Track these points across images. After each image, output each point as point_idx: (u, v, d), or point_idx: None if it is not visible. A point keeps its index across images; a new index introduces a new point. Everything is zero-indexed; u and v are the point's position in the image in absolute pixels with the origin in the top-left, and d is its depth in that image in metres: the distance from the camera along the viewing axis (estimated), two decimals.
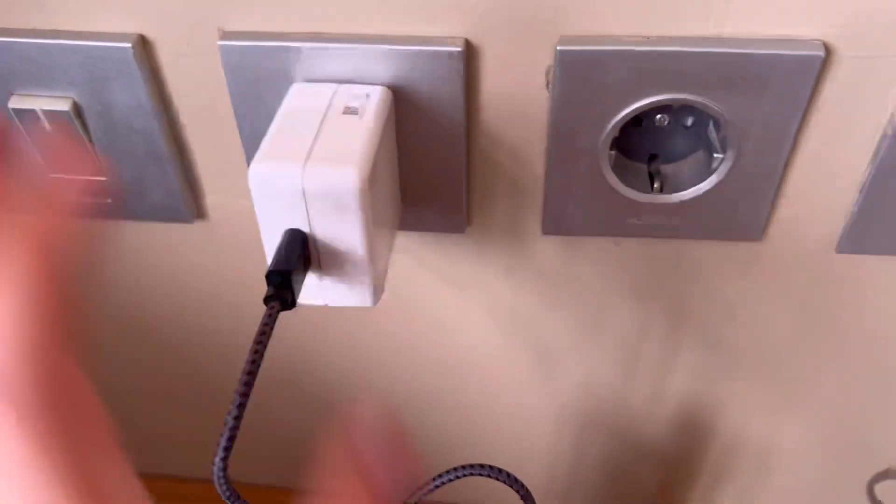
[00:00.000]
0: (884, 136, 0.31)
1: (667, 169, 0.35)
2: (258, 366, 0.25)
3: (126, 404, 0.50)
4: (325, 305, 0.30)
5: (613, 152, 0.33)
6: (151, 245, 0.40)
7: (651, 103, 0.30)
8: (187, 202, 0.37)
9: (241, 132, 0.33)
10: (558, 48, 0.29)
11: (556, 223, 0.36)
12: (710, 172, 0.33)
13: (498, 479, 0.31)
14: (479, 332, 0.42)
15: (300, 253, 0.27)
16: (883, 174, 0.32)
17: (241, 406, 0.24)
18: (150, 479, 0.19)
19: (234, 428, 0.24)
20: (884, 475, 0.47)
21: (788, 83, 0.29)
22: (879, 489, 0.48)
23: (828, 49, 0.29)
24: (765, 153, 0.32)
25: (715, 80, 0.29)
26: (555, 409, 0.46)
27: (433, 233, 0.37)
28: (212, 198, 0.37)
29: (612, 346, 0.42)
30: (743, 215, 0.34)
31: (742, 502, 0.51)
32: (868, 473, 0.48)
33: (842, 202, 0.33)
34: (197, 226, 0.38)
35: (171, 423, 0.52)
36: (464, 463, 0.32)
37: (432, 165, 0.33)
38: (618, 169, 0.33)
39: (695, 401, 0.44)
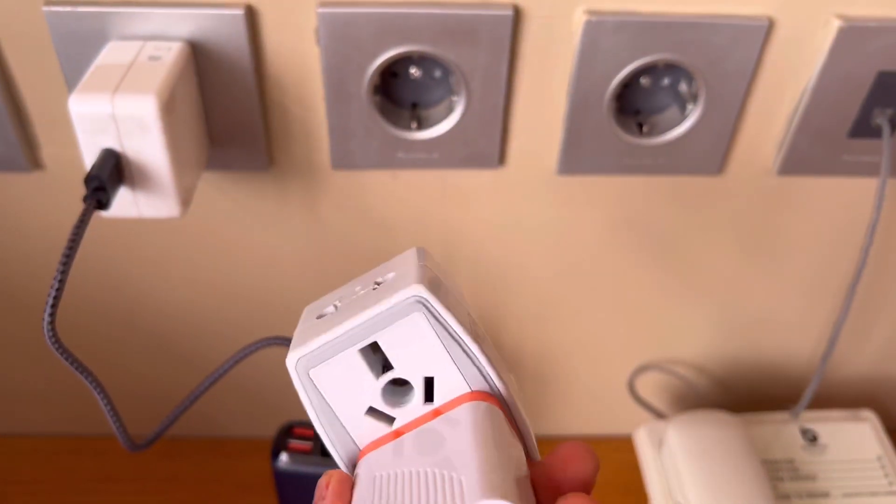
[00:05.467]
0: (571, 78, 0.41)
1: (426, 113, 0.44)
2: (75, 251, 0.32)
3: None
4: (139, 217, 0.37)
5: (378, 97, 0.42)
6: None
7: (395, 55, 0.40)
8: (25, 153, 0.43)
9: (69, 86, 0.40)
10: (319, 10, 0.38)
11: (342, 159, 0.44)
12: (451, 112, 0.42)
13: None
14: (290, 264, 0.50)
15: (114, 167, 0.34)
16: (575, 110, 0.42)
17: (62, 281, 0.31)
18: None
19: (57, 297, 0.31)
20: (640, 369, 0.59)
21: (492, 35, 0.39)
22: (638, 383, 0.60)
23: (517, 10, 0.39)
24: (488, 95, 0.42)
25: (442, 35, 0.39)
26: None
27: (241, 172, 0.45)
28: (48, 149, 0.44)
29: None
30: (483, 147, 0.44)
31: (532, 412, 0.61)
32: (628, 369, 0.59)
33: (555, 135, 0.44)
34: (34, 175, 0.44)
35: (13, 378, 0.56)
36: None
37: (233, 111, 0.41)
38: (385, 111, 0.43)
39: (477, 318, 0.54)
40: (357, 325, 0.24)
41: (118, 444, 0.37)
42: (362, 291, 0.26)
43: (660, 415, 0.59)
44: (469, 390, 0.25)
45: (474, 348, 0.24)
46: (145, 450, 0.36)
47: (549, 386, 0.59)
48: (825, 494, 0.52)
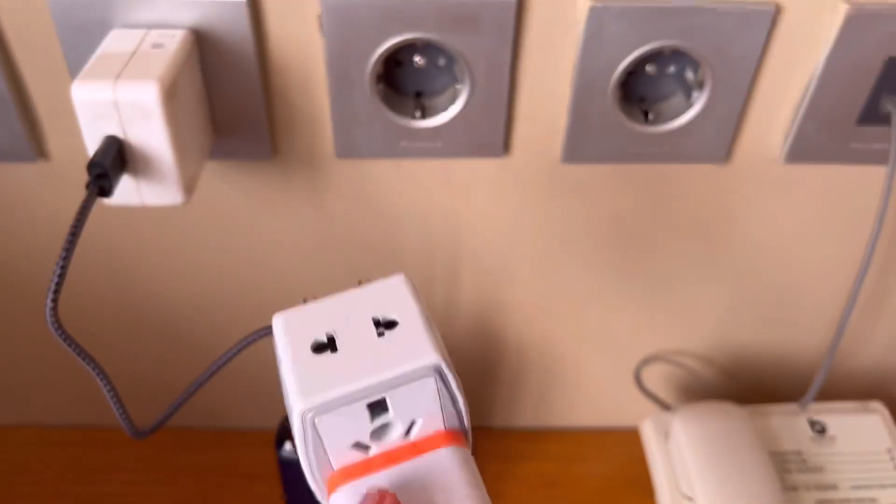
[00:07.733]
0: (576, 65, 0.41)
1: (430, 101, 0.44)
2: (77, 237, 0.32)
3: None
4: (143, 205, 0.37)
5: (381, 85, 0.42)
6: None
7: (398, 42, 0.40)
8: (30, 143, 0.43)
9: (72, 75, 0.40)
10: None
11: (346, 147, 0.44)
12: (455, 101, 0.42)
13: None
14: (294, 252, 0.50)
15: (116, 154, 0.34)
16: (579, 98, 0.42)
17: (64, 266, 0.31)
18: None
19: (59, 283, 0.31)
20: (646, 361, 0.59)
21: (496, 22, 0.39)
22: (644, 375, 0.59)
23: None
24: (492, 83, 0.41)
25: (446, 22, 0.39)
26: None
27: (245, 160, 0.45)
28: (52, 139, 0.44)
29: (408, 262, 0.51)
30: (487, 136, 0.44)
31: (538, 404, 0.61)
32: (634, 361, 0.59)
33: (559, 123, 0.44)
34: (39, 165, 0.44)
35: (20, 368, 0.57)
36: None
37: (236, 100, 0.41)
38: (388, 100, 0.43)
39: (482, 310, 0.54)
40: (373, 385, 0.26)
41: (125, 434, 0.37)
42: (361, 331, 0.28)
43: (666, 406, 0.58)
44: (444, 429, 0.28)
45: (462, 401, 0.28)
46: (149, 437, 0.36)
47: (555, 378, 0.59)
48: (833, 486, 0.51)
